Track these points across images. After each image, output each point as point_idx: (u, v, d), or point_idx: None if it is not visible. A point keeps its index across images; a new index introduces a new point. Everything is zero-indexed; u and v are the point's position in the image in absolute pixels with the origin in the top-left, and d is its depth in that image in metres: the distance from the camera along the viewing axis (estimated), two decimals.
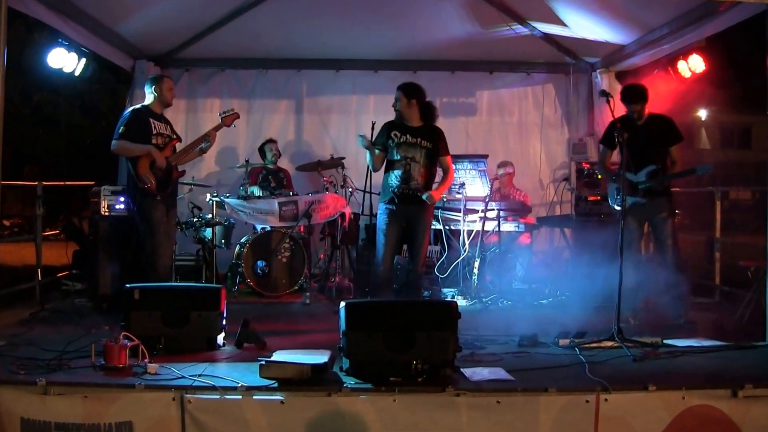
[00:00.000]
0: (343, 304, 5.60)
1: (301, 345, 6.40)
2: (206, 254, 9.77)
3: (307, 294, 9.16)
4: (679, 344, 6.77)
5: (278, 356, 5.60)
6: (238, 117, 8.54)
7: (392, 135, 8.12)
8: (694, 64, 9.61)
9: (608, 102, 7.19)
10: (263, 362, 5.31)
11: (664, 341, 6.77)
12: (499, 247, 9.64)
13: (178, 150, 8.28)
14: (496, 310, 8.82)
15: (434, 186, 8.23)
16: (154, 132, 7.99)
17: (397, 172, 8.04)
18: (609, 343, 6.58)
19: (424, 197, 7.96)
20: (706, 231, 10.50)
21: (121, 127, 7.91)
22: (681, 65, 9.72)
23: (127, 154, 7.94)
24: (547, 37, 11.16)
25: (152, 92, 8.11)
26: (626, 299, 7.79)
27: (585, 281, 8.50)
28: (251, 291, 9.55)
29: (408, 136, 8.06)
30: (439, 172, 8.36)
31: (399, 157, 8.05)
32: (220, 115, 8.46)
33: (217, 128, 8.39)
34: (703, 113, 33.64)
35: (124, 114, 8.17)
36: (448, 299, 8.77)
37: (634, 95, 7.91)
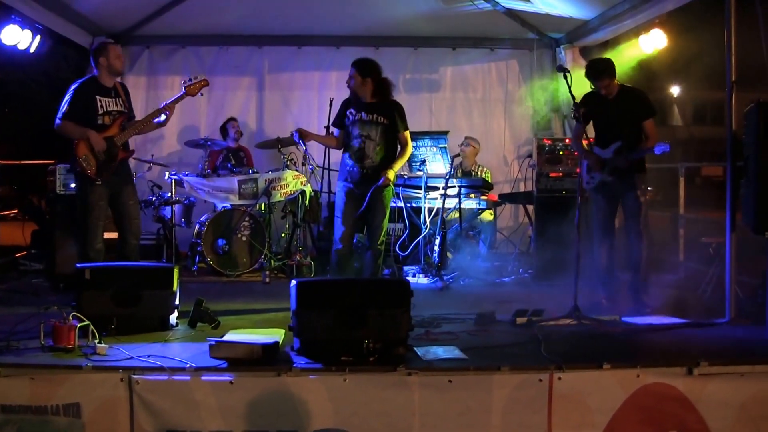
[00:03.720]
0: (293, 282, 5.50)
1: (258, 324, 6.41)
2: (166, 233, 9.71)
3: (267, 272, 9.12)
4: (638, 322, 6.78)
5: (230, 336, 5.58)
6: (207, 84, 7.96)
7: (348, 113, 8.02)
8: (656, 39, 9.58)
9: (565, 77, 7.07)
10: (213, 342, 5.25)
11: (623, 319, 6.77)
12: (461, 225, 9.59)
13: (129, 126, 7.66)
14: (457, 288, 8.80)
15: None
16: (101, 111, 7.47)
17: (353, 151, 7.93)
18: (566, 321, 6.55)
19: (379, 183, 7.86)
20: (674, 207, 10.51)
21: (65, 106, 7.42)
22: (643, 40, 9.68)
23: (68, 136, 7.44)
24: (510, 13, 11.10)
25: (99, 63, 7.52)
26: (599, 280, 7.78)
27: (547, 258, 8.50)
28: (211, 270, 9.50)
29: (363, 113, 7.93)
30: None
31: (354, 136, 7.93)
32: (183, 84, 7.86)
33: (177, 100, 7.75)
34: (675, 89, 33.56)
35: (69, 89, 7.55)
36: (406, 278, 8.71)
37: (597, 71, 7.62)
